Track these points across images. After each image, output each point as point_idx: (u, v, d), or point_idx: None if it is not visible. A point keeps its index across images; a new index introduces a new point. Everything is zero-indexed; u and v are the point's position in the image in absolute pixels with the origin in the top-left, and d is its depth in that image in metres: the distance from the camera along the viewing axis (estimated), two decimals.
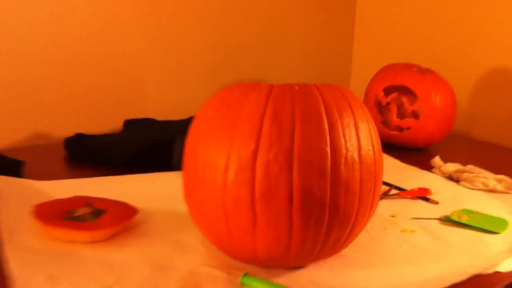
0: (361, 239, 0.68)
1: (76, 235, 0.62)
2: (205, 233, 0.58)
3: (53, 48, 1.11)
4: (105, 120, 1.18)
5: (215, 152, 0.53)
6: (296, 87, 0.55)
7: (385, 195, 0.85)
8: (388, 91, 1.19)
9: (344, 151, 0.53)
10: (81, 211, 0.66)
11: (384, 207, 0.80)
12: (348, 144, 0.53)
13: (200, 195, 0.55)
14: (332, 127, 0.53)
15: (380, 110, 1.22)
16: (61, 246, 0.62)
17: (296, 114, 0.53)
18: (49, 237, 0.63)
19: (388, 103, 1.20)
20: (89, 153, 0.96)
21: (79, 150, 0.97)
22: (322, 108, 0.54)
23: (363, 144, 0.55)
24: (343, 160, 0.53)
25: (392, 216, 0.77)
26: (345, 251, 0.64)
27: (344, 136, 0.53)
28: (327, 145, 0.52)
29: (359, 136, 0.55)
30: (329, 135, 0.53)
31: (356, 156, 0.54)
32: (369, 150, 0.55)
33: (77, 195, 0.73)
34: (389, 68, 1.21)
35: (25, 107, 1.10)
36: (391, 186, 0.89)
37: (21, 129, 1.11)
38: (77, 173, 0.92)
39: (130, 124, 1.09)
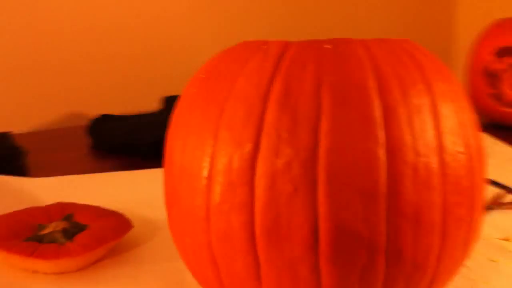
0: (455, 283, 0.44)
1: (34, 263, 0.44)
2: (192, 273, 0.38)
3: (85, 23, 0.96)
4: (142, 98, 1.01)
5: (193, 156, 0.33)
6: (327, 46, 0.33)
7: (497, 204, 0.60)
8: (502, 54, 0.91)
9: (410, 155, 0.30)
10: (52, 227, 0.48)
11: (493, 225, 0.54)
12: (418, 142, 0.31)
13: (178, 219, 0.35)
14: (389, 113, 0.30)
15: (489, 80, 0.94)
16: (16, 277, 0.45)
17: (323, 92, 0.30)
18: (5, 263, 0.46)
19: (502, 70, 0.92)
20: (115, 140, 0.79)
21: (102, 136, 0.80)
22: (371, 81, 0.31)
23: (447, 142, 0.32)
24: (409, 171, 0.30)
25: (506, 240, 0.52)
26: None
27: (411, 130, 0.31)
28: (379, 146, 0.30)
29: (440, 129, 0.32)
30: (384, 127, 0.30)
31: (434, 164, 0.31)
32: (460, 152, 0.32)
33: (64, 200, 0.55)
34: (503, 24, 0.93)
35: (57, 85, 0.96)
36: (505, 188, 0.63)
37: (53, 109, 0.97)
38: (97, 164, 0.75)
39: (170, 101, 0.90)
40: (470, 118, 0.34)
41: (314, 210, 0.29)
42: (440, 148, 0.31)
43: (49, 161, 0.76)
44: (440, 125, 0.32)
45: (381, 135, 0.30)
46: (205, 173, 0.32)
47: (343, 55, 0.32)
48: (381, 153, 0.30)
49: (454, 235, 0.32)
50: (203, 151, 0.32)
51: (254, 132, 0.30)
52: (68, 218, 0.50)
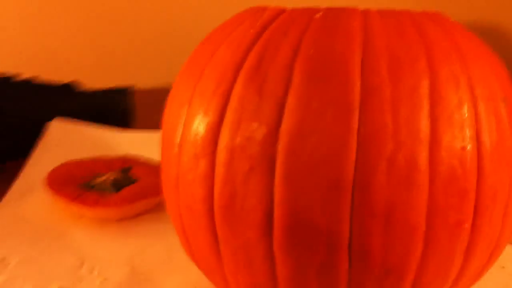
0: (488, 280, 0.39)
1: (77, 208, 0.47)
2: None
3: None
4: None
5: (171, 122, 0.32)
6: (319, 15, 0.29)
7: None
8: None
9: (388, 145, 0.26)
10: (106, 177, 0.51)
11: None
12: (402, 131, 0.26)
13: (164, 186, 0.35)
14: (368, 94, 0.26)
15: None
16: (61, 219, 0.48)
17: (297, 65, 0.27)
18: (55, 206, 0.50)
19: None
20: None
21: None
22: (356, 56, 0.27)
23: (444, 134, 0.27)
24: (383, 163, 0.26)
25: None
26: None
27: (395, 115, 0.26)
28: (350, 131, 0.26)
29: (436, 118, 0.27)
30: (359, 110, 0.26)
31: (421, 158, 0.26)
32: (462, 148, 0.27)
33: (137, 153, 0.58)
34: None
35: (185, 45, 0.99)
36: None
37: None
38: None
39: None
40: (495, 108, 0.29)
41: (270, 193, 0.27)
42: (433, 141, 0.27)
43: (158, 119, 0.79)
44: (438, 113, 0.27)
45: (354, 119, 0.26)
46: (177, 140, 0.31)
47: (331, 25, 0.28)
48: (351, 140, 0.26)
49: (444, 242, 0.28)
50: (179, 118, 0.31)
51: (220, 103, 0.28)
52: (125, 170, 0.53)
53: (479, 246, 0.29)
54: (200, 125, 0.29)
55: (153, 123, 0.65)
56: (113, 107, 0.75)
